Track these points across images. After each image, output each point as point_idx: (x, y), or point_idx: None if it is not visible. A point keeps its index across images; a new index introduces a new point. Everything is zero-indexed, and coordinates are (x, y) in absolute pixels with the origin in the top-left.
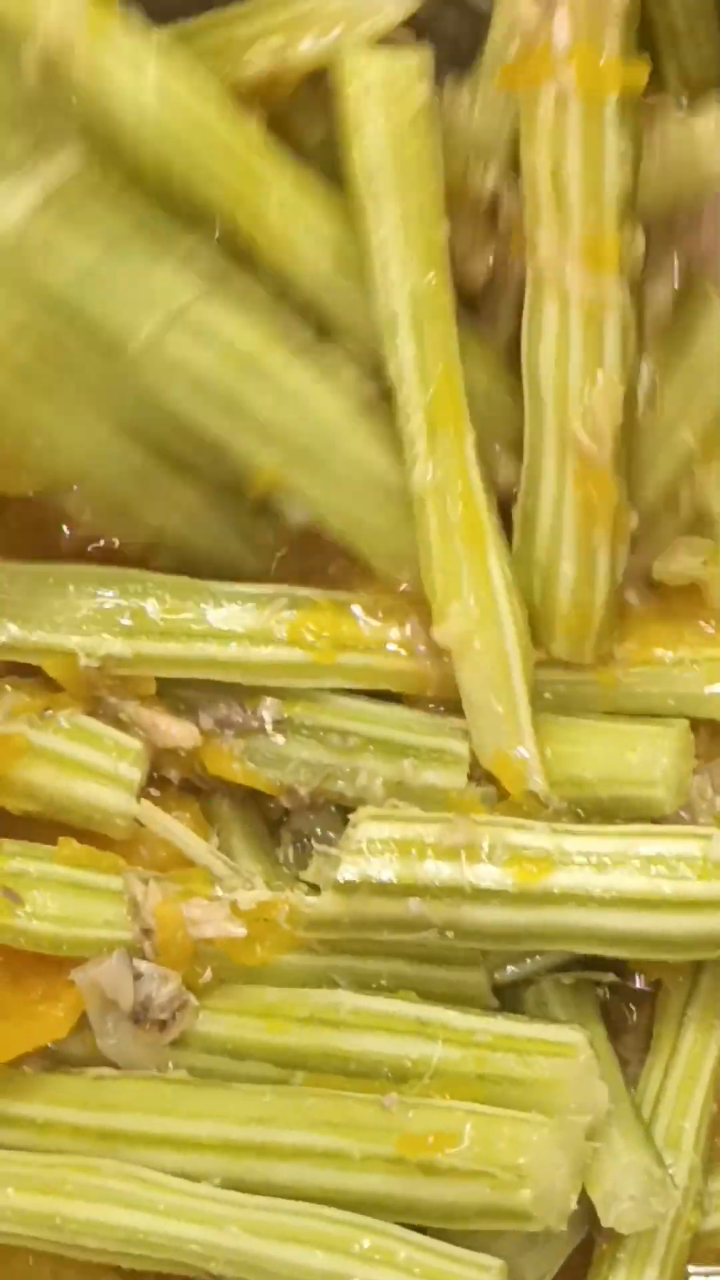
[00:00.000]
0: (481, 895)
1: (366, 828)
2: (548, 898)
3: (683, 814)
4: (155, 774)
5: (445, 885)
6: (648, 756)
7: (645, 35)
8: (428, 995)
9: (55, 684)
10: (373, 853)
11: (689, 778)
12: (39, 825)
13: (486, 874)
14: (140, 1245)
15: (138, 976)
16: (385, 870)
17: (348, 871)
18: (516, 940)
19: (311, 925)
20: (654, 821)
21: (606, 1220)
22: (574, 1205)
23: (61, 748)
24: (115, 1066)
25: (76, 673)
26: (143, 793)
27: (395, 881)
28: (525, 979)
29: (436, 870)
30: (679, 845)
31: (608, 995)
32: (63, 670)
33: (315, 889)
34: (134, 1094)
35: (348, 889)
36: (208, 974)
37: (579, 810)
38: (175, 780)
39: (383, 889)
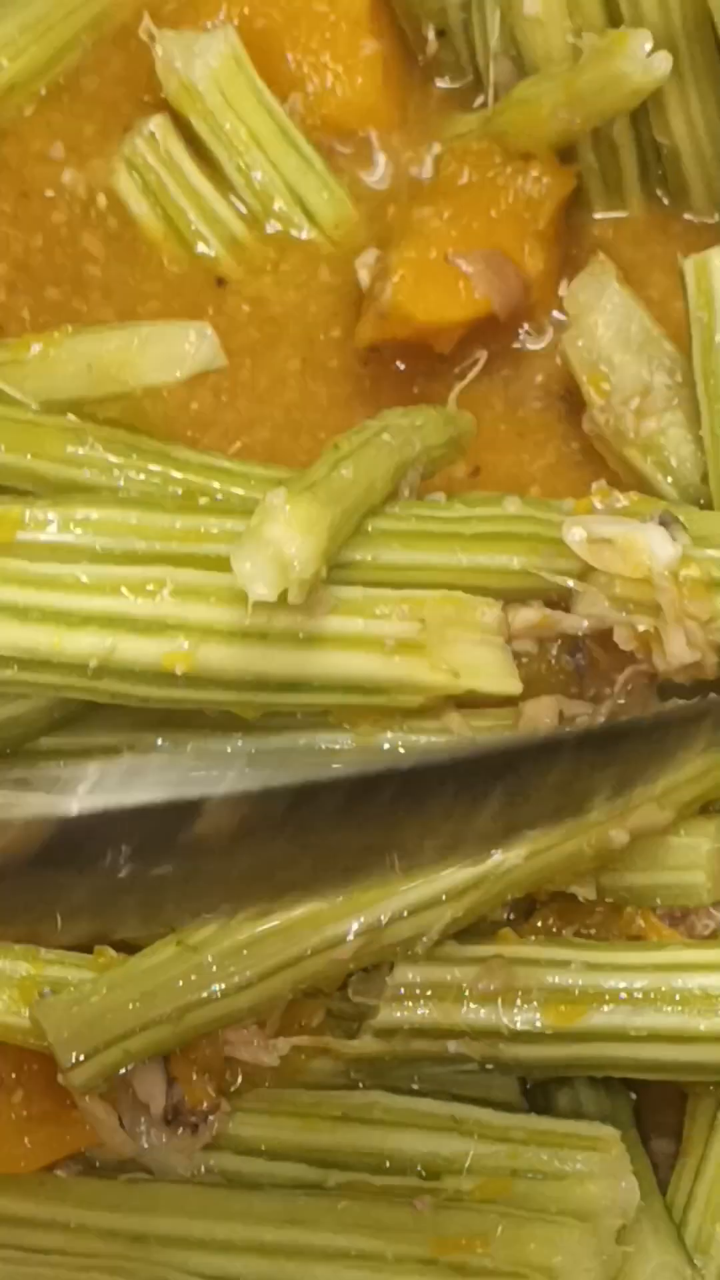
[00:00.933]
0: (518, 1036)
1: (403, 972)
2: (583, 1036)
3: (713, 910)
4: None
5: (482, 1028)
6: (691, 841)
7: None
8: (459, 1098)
9: None
10: (409, 998)
11: None
12: None
13: (521, 1018)
14: None
15: (172, 1082)
16: (422, 1015)
17: (385, 1020)
18: (553, 1070)
19: (350, 1063)
20: (688, 913)
21: None
22: None
23: None
24: (148, 1170)
25: None
26: None
27: (433, 1026)
28: (559, 1080)
29: (473, 1014)
30: (716, 979)
31: (638, 1098)
32: None
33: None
34: (167, 1197)
35: (386, 1033)
36: (239, 1079)
37: (612, 896)
38: None
39: (419, 1033)
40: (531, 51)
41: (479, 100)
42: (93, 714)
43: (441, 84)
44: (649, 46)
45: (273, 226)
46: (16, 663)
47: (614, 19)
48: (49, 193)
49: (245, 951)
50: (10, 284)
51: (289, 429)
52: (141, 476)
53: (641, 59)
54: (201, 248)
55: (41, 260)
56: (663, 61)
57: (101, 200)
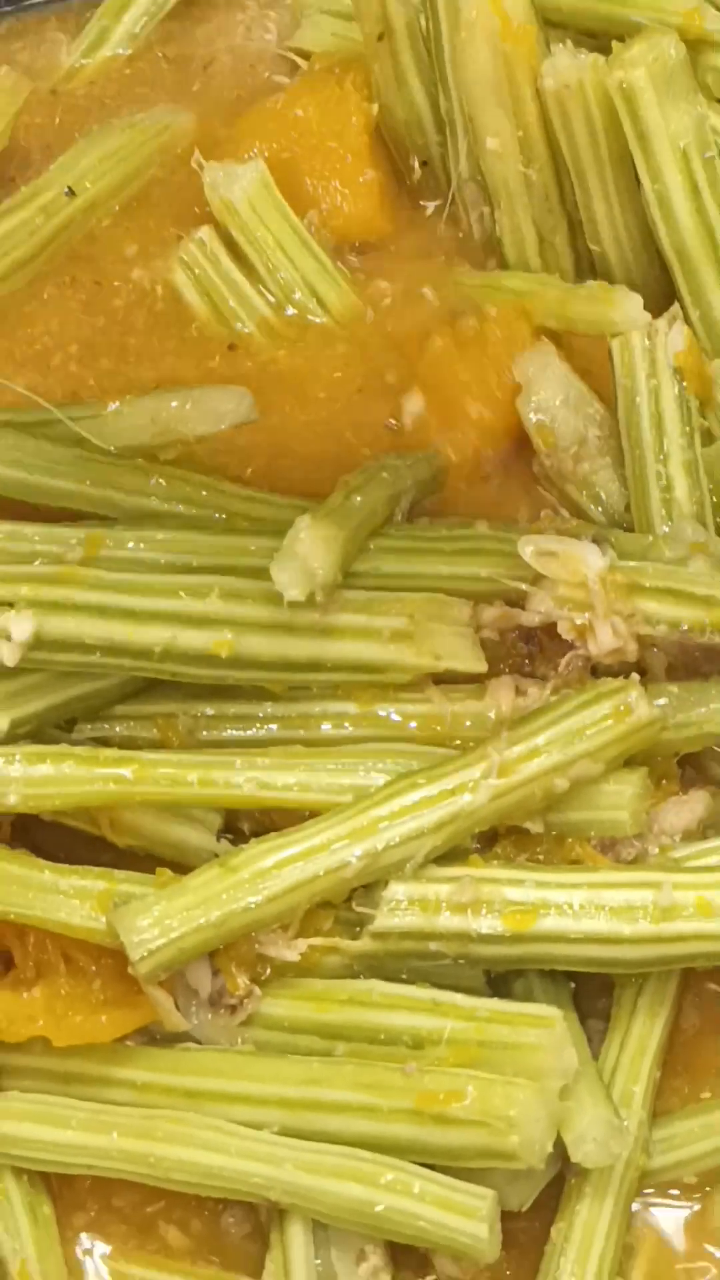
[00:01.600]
0: (483, 938)
1: (395, 889)
2: (534, 938)
3: (634, 840)
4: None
5: (455, 932)
6: (618, 788)
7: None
8: (437, 985)
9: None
10: (400, 910)
11: (646, 811)
12: (138, 857)
13: (486, 924)
14: (216, 1178)
15: (215, 973)
16: (409, 922)
17: (380, 925)
18: (510, 965)
19: (354, 959)
20: (615, 843)
21: (575, 1157)
22: (550, 1148)
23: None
24: (197, 1041)
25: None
26: (220, 835)
27: (417, 930)
28: (514, 971)
29: (448, 921)
30: (637, 894)
31: (576, 986)
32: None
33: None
34: (212, 1062)
35: (381, 936)
36: (268, 970)
37: (556, 829)
38: (247, 830)
39: (407, 935)
40: (492, 178)
41: (443, 206)
42: (155, 688)
43: (424, 203)
44: (639, 306)
45: (291, 311)
46: (99, 649)
47: (556, 153)
48: (116, 283)
49: (273, 872)
50: (80, 359)
51: (290, 459)
52: (194, 505)
53: (626, 314)
54: (239, 326)
55: (101, 337)
56: (639, 316)
57: (159, 289)
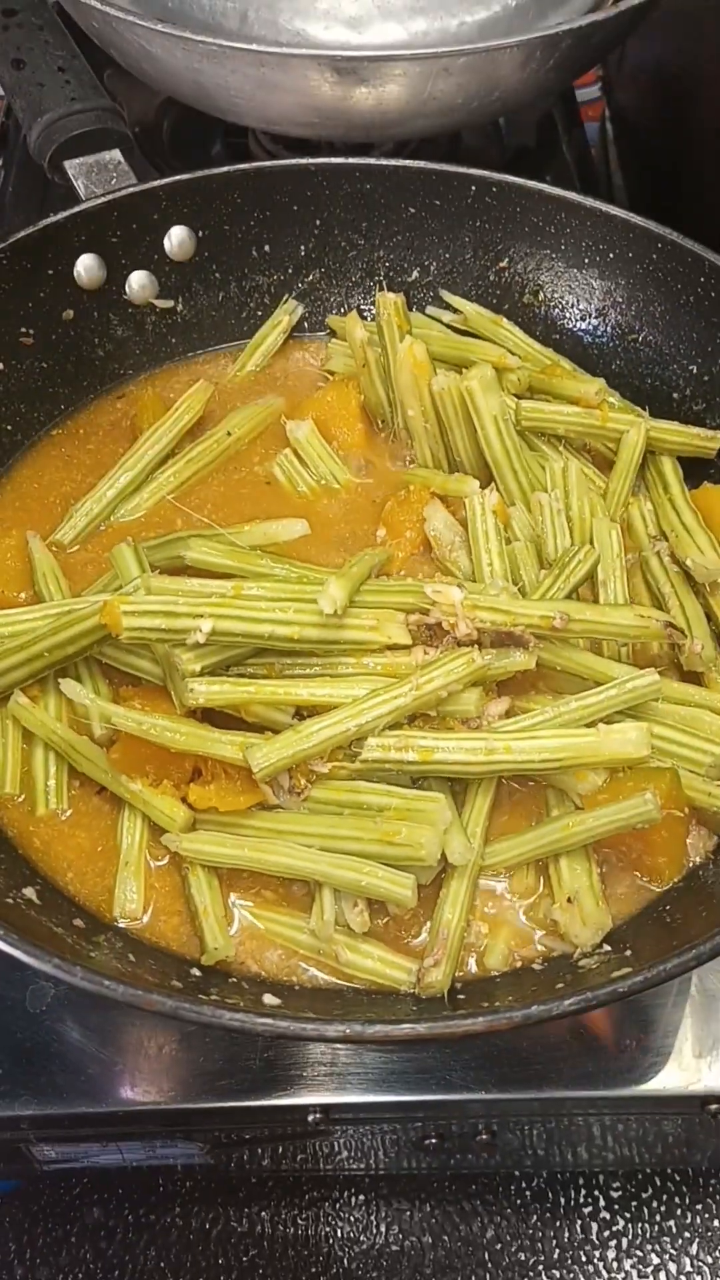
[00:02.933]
0: (409, 763)
1: (370, 741)
2: (432, 763)
3: (476, 719)
4: None
5: (396, 760)
6: (470, 694)
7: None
8: (391, 784)
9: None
10: (372, 750)
11: (481, 706)
12: (258, 727)
13: (409, 756)
14: (289, 870)
15: (290, 777)
16: (377, 756)
17: (364, 757)
18: (421, 775)
19: (352, 772)
20: (467, 719)
21: (451, 860)
22: (439, 856)
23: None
24: (283, 808)
25: None
26: (292, 716)
27: (380, 759)
28: (423, 777)
29: (393, 755)
30: (479, 743)
31: (451, 784)
32: None
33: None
34: (289, 818)
35: (364, 762)
36: (315, 775)
37: (442, 714)
38: (304, 715)
39: (375, 762)
40: (411, 429)
41: (391, 439)
42: (266, 651)
43: (383, 438)
44: (477, 485)
45: (322, 482)
46: (240, 635)
47: (440, 418)
48: (244, 472)
49: (316, 733)
50: (219, 508)
51: (323, 550)
52: (283, 570)
53: (471, 488)
54: (300, 489)
55: (234, 497)
56: (477, 489)
57: (264, 476)
